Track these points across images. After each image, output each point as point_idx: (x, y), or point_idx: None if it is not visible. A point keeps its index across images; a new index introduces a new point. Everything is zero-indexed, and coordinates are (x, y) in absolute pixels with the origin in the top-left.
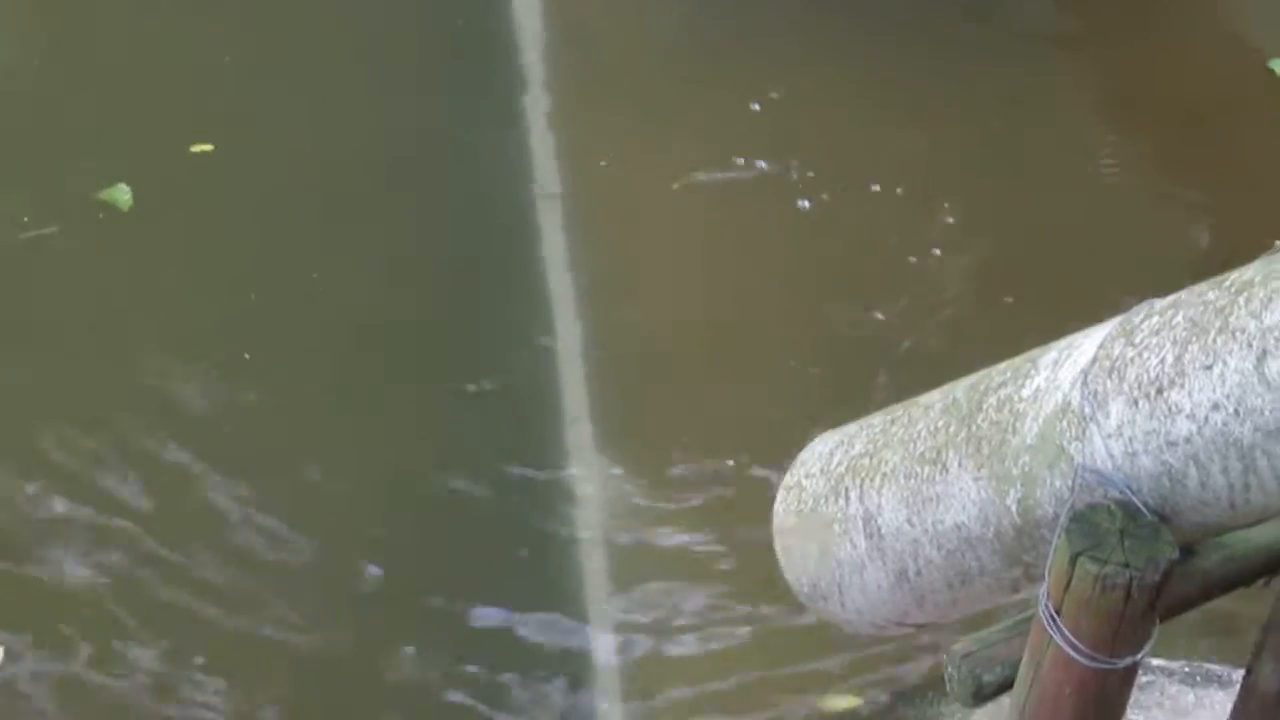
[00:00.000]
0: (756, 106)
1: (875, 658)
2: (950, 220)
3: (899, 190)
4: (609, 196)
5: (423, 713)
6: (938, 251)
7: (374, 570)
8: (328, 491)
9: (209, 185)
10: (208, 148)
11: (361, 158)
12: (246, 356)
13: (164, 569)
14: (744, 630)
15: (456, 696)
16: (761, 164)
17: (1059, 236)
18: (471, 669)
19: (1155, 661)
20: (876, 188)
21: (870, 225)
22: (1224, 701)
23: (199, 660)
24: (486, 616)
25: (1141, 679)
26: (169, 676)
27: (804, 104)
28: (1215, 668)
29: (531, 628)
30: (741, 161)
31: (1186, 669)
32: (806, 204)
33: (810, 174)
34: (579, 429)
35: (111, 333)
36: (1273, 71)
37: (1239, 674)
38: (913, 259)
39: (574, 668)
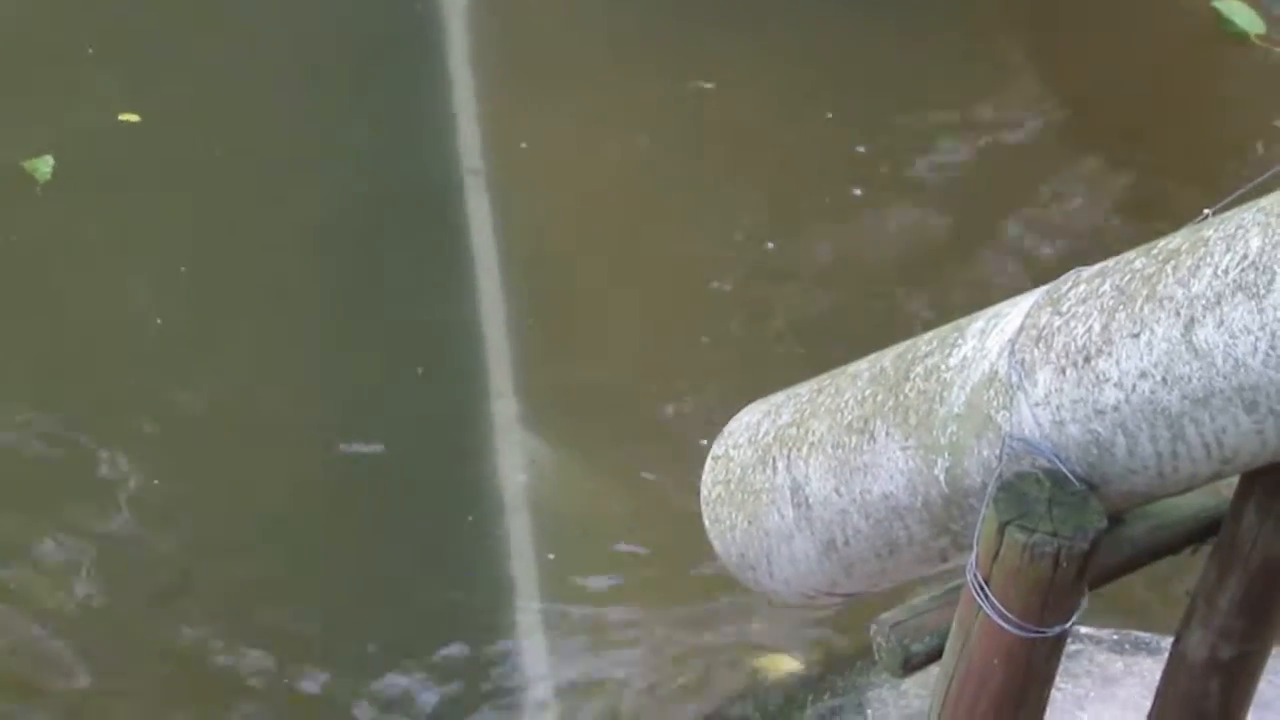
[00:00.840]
0: (685, 86)
1: (808, 624)
2: (886, 201)
3: (830, 166)
4: (533, 174)
5: (338, 692)
6: (872, 230)
7: (283, 541)
8: (245, 458)
9: (134, 155)
10: (134, 118)
11: (290, 133)
12: (159, 321)
13: (69, 533)
14: (675, 599)
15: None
16: (688, 140)
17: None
18: (388, 644)
19: (1084, 630)
20: (802, 165)
21: (791, 199)
22: (1153, 669)
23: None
24: (403, 586)
25: (1070, 647)
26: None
27: (733, 84)
28: (1144, 635)
29: (455, 599)
30: (670, 137)
31: (1115, 637)
32: (731, 179)
33: (737, 152)
34: (504, 403)
35: (31, 301)
36: (1217, 12)
37: (1167, 641)
38: (840, 225)
39: (501, 641)
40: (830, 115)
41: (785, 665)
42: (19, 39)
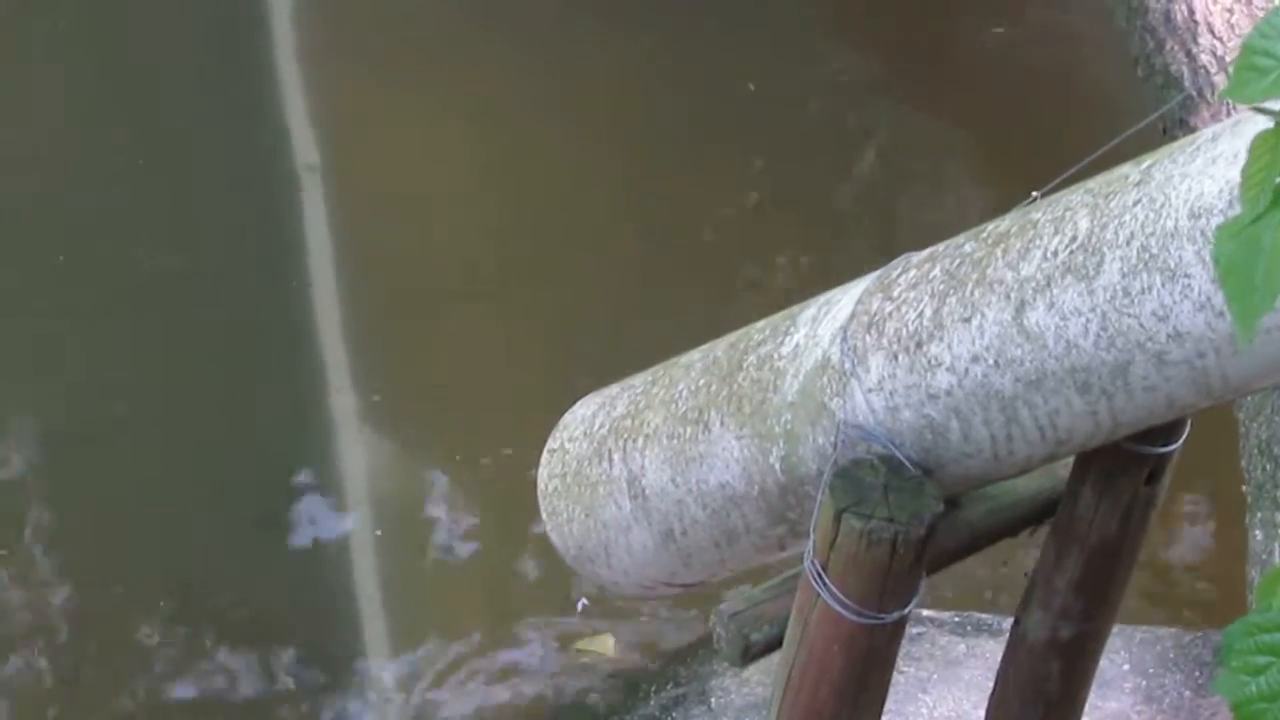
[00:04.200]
0: (516, 68)
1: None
2: (719, 171)
3: (664, 145)
4: (367, 165)
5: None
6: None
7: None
8: (87, 455)
9: None
10: None
11: (129, 129)
12: None
13: None
14: (511, 593)
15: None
16: (524, 124)
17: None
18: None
19: (925, 613)
20: (639, 143)
21: (636, 181)
22: (995, 650)
23: None
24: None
25: (912, 630)
26: None
27: (564, 64)
28: (985, 617)
29: (289, 604)
30: (503, 123)
31: (956, 619)
32: (571, 162)
33: (575, 132)
34: (343, 399)
35: None
36: None
37: (1009, 623)
38: (679, 203)
39: (338, 635)
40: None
41: (607, 646)
42: None
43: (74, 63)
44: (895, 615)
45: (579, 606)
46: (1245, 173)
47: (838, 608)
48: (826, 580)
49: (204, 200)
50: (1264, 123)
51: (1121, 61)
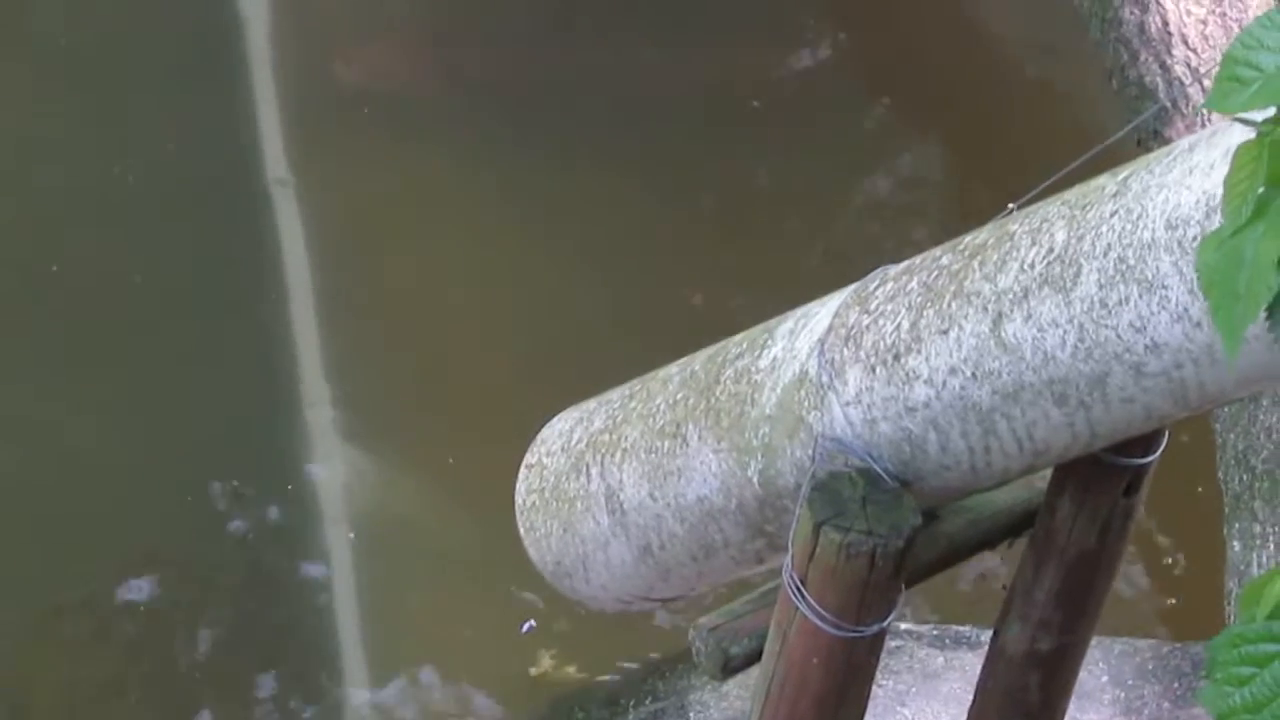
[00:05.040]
0: (485, 90)
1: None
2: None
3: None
4: (340, 182)
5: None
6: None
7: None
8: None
9: None
10: None
11: (103, 148)
12: None
13: None
14: (487, 606)
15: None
16: (493, 137)
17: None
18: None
19: (904, 625)
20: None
21: (602, 202)
22: (973, 663)
23: None
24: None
25: (891, 643)
26: None
27: (535, 87)
28: (963, 630)
29: (267, 620)
30: (471, 135)
31: (935, 632)
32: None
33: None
34: (319, 412)
35: None
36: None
37: (987, 635)
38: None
39: (315, 653)
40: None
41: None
42: None
43: (45, 74)
44: (874, 628)
45: (524, 629)
46: (1227, 183)
47: (816, 620)
48: (805, 593)
49: (179, 210)
50: (1242, 133)
51: (1096, 73)
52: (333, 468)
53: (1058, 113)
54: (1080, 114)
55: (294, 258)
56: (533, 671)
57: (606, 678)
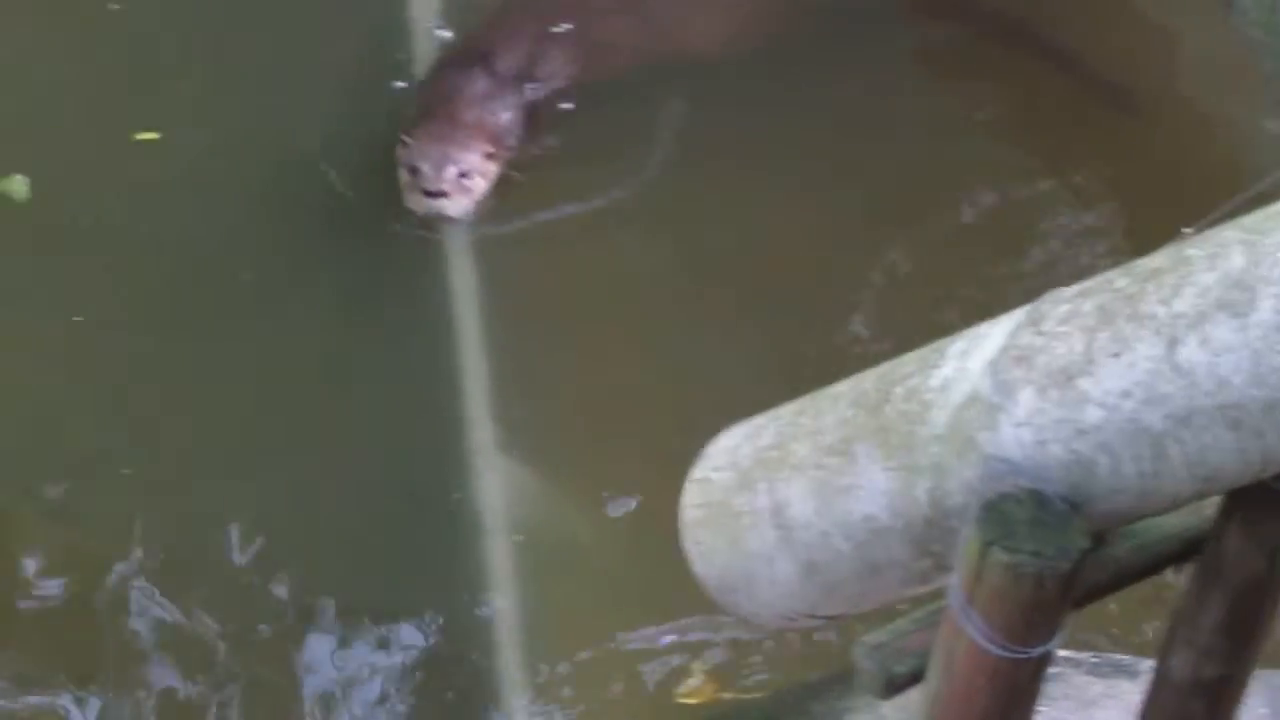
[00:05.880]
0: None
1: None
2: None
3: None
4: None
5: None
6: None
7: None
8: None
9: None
10: (153, 136)
11: (272, 159)
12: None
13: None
14: (642, 621)
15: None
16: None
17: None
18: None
19: (1062, 652)
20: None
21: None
22: (1132, 691)
23: None
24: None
25: (1048, 671)
26: None
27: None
28: (1122, 658)
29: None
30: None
31: (1094, 660)
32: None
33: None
34: (482, 431)
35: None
36: None
37: (1146, 664)
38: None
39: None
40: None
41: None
42: None
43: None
44: (1040, 650)
45: (663, 638)
46: None
47: (983, 641)
48: (972, 613)
49: (351, 251)
50: None
51: (1270, 102)
52: (494, 481)
53: (1230, 141)
54: (1243, 146)
55: (462, 284)
56: (682, 690)
57: (759, 696)
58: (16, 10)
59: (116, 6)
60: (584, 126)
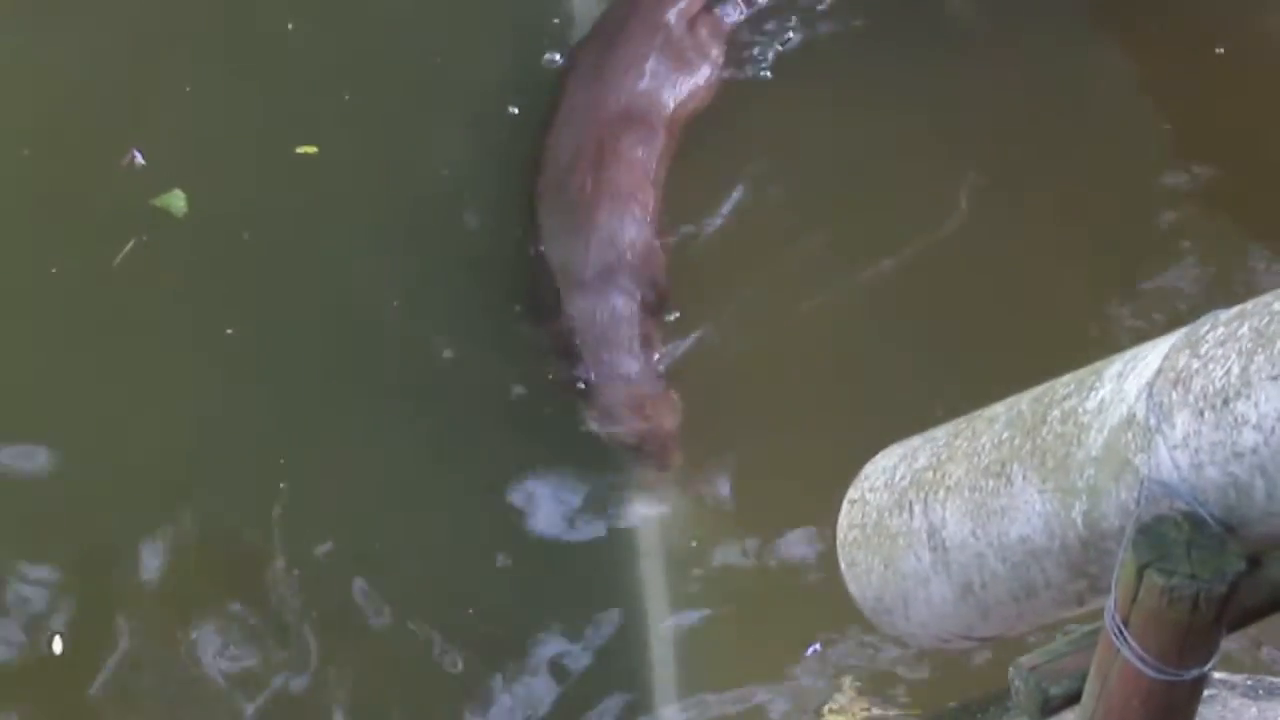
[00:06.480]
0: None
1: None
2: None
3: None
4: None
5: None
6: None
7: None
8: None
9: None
10: (311, 149)
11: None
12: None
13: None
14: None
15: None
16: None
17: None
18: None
19: (1217, 675)
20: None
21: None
22: None
23: None
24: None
25: (1203, 693)
26: None
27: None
28: (1277, 680)
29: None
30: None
31: (1249, 682)
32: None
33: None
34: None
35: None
36: None
37: None
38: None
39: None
40: None
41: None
42: None
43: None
44: (1195, 672)
45: (810, 652)
46: None
47: (1138, 663)
48: (1127, 636)
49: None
50: None
51: None
52: (649, 503)
53: None
54: None
55: None
56: (831, 706)
57: (912, 715)
58: (182, 33)
59: (291, 26)
60: None
